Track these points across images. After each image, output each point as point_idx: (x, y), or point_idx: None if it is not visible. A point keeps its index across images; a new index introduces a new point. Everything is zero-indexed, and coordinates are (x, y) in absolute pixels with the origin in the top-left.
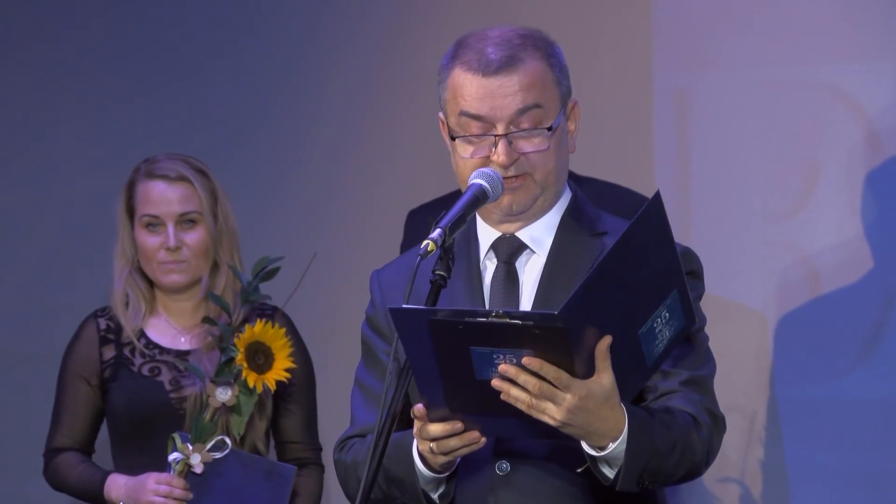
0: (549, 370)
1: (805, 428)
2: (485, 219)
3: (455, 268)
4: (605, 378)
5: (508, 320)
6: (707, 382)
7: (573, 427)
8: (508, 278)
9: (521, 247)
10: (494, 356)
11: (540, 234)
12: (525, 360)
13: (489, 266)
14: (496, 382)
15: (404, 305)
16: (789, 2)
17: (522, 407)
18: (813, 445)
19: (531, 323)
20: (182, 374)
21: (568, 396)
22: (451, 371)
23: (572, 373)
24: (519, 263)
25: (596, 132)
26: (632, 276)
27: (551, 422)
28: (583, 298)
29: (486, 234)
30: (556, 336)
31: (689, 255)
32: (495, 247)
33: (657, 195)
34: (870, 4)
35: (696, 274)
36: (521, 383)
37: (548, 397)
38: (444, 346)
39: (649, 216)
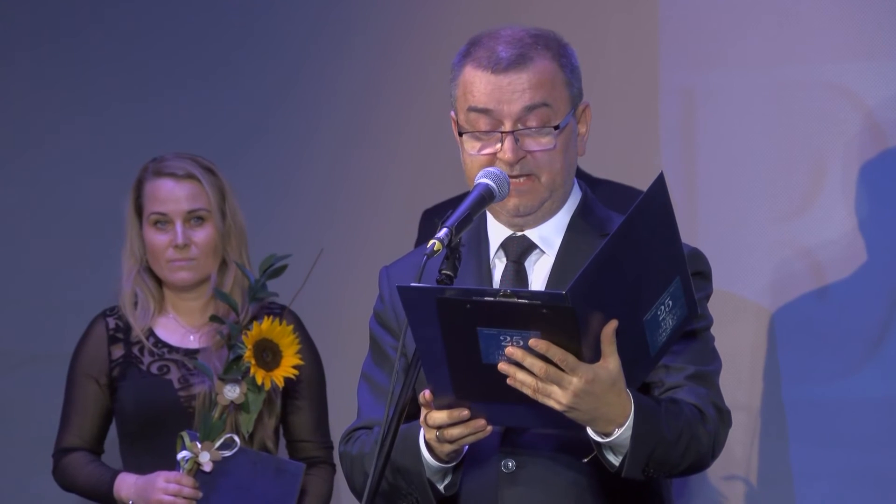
0: (556, 352)
1: (811, 427)
2: (494, 217)
3: (465, 266)
4: (611, 363)
5: (516, 300)
6: (713, 378)
7: (579, 412)
8: (517, 278)
9: (530, 246)
10: (501, 338)
11: (549, 234)
12: (532, 342)
13: (498, 265)
14: (503, 366)
15: (413, 284)
16: (795, 1)
17: (528, 391)
18: (818, 444)
19: (539, 302)
20: (191, 373)
21: (574, 380)
22: (458, 354)
23: (579, 357)
24: (528, 263)
25: (602, 131)
26: (637, 259)
27: (557, 406)
28: (589, 279)
29: (496, 233)
30: (563, 317)
31: (698, 255)
32: (505, 246)
33: (661, 177)
34: (876, 4)
35: (704, 275)
36: (527, 366)
37: (554, 381)
38: (451, 327)
39: (653, 198)
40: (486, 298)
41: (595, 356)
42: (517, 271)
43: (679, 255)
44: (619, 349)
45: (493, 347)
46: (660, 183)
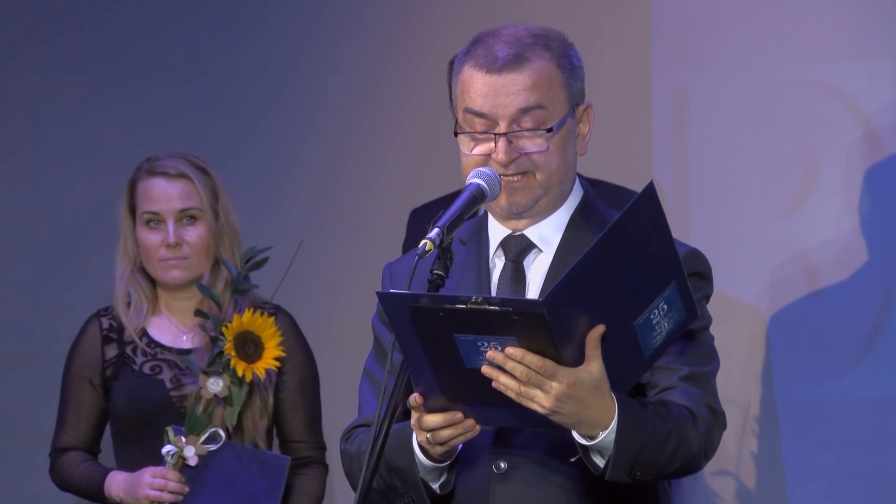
0: (533, 359)
1: (804, 427)
2: (492, 216)
3: (466, 266)
4: (594, 366)
5: (487, 307)
6: (708, 378)
7: (562, 415)
8: (515, 277)
9: (528, 245)
10: (479, 344)
11: (548, 233)
12: (508, 351)
13: (498, 264)
14: (486, 370)
15: (391, 290)
16: (787, 1)
17: (512, 395)
18: (812, 444)
19: (510, 309)
20: (183, 373)
21: (554, 384)
22: (440, 359)
23: (559, 361)
24: (526, 262)
25: (594, 131)
26: (624, 265)
27: (540, 409)
28: (569, 285)
29: (496, 232)
30: (536, 322)
31: (697, 256)
32: (504, 245)
33: (650, 185)
34: (868, 4)
35: (703, 275)
36: (508, 370)
37: (535, 384)
38: (428, 334)
39: (641, 206)
40: (457, 306)
41: (579, 359)
42: (515, 270)
43: (675, 260)
44: (607, 353)
45: (473, 353)
46: (650, 191)
